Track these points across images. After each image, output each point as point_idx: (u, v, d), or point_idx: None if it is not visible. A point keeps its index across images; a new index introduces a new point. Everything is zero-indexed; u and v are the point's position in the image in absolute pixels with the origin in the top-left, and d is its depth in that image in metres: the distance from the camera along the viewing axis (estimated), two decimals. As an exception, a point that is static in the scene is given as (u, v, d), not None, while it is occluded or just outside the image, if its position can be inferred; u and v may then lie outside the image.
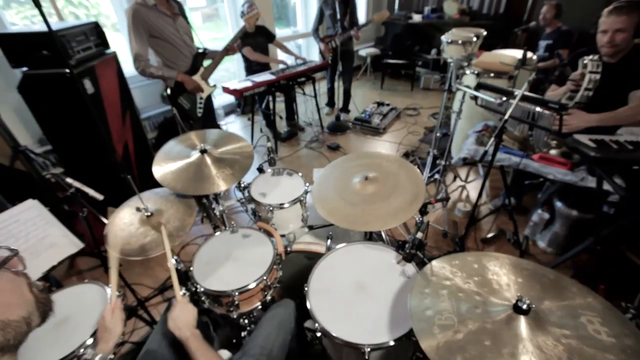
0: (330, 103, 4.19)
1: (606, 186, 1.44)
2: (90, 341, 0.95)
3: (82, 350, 0.94)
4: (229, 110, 4.27)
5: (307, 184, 1.48)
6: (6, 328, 0.43)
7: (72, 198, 1.59)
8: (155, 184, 1.37)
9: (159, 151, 1.38)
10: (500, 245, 2.17)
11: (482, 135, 1.85)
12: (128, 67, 2.78)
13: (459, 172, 2.81)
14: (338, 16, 3.14)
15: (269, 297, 1.20)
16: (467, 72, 1.94)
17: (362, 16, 5.88)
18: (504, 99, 1.52)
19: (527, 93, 1.41)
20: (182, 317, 0.86)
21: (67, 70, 1.92)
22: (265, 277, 1.14)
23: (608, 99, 1.62)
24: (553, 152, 1.69)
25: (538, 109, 1.40)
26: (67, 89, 1.96)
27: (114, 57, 2.41)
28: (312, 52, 5.19)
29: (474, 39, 1.95)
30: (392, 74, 5.32)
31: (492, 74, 1.89)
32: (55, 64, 1.91)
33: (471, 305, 0.79)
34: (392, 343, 0.92)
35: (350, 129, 3.75)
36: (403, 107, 4.22)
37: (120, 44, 3.17)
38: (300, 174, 1.52)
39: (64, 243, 1.35)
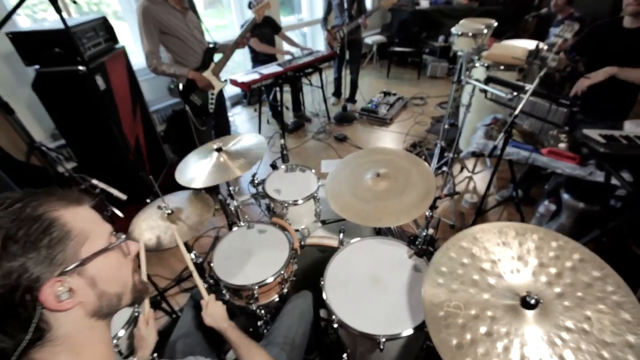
0: (337, 93, 4.18)
1: (614, 181, 1.46)
2: (122, 333, 1.02)
3: (115, 341, 1.01)
4: (235, 102, 4.28)
5: (319, 179, 1.52)
6: (102, 297, 0.52)
7: (87, 192, 1.65)
8: (167, 177, 1.40)
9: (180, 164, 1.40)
10: (506, 236, 2.21)
11: (491, 129, 1.86)
12: (135, 60, 2.80)
13: (466, 163, 2.82)
14: (345, 5, 3.10)
15: (285, 290, 1.26)
16: (477, 64, 1.94)
17: (368, 3, 5.76)
18: (515, 94, 1.52)
19: (537, 89, 1.42)
20: (217, 313, 0.94)
21: (81, 68, 1.95)
22: (282, 272, 1.19)
23: (626, 66, 1.64)
24: (562, 145, 1.70)
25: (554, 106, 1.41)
26: (80, 86, 2.00)
27: (123, 52, 2.43)
28: (318, 41, 5.13)
29: (485, 30, 1.93)
30: (399, 62, 5.25)
31: (502, 67, 1.88)
32: (68, 61, 1.94)
33: (480, 290, 0.83)
34: (405, 334, 0.98)
35: (357, 120, 3.76)
36: (410, 96, 4.20)
37: (124, 33, 3.14)
38: (313, 170, 1.56)
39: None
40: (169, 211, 1.22)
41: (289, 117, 3.77)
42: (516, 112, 1.44)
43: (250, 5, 2.99)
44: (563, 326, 0.71)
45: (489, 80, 1.76)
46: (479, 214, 2.02)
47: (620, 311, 0.66)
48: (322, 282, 1.16)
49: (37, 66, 2.00)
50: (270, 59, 3.32)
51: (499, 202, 2.40)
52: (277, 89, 3.09)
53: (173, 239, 1.16)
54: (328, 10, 3.49)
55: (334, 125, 3.67)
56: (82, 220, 0.51)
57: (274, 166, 1.56)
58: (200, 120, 2.18)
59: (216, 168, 1.31)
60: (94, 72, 2.03)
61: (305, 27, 4.97)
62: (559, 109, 1.47)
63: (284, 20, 4.64)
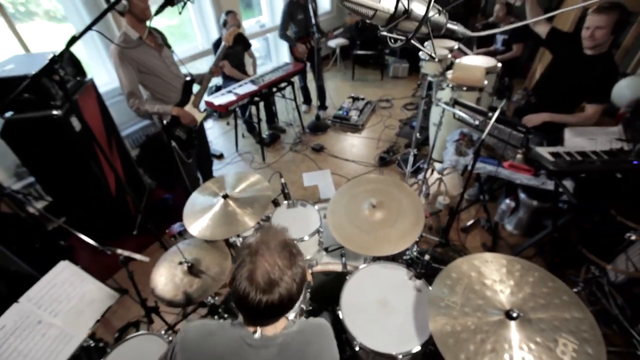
0: (307, 100, 4.28)
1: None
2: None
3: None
4: (205, 115, 4.20)
5: (319, 209, 1.65)
6: None
7: (63, 230, 1.62)
8: (152, 212, 1.43)
9: (186, 207, 1.46)
10: (476, 232, 2.53)
11: (460, 144, 2.11)
12: (98, 81, 2.64)
13: (435, 165, 3.10)
14: (313, 20, 3.19)
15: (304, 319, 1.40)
16: (444, 86, 2.16)
17: (325, 2, 5.83)
18: (481, 119, 1.76)
19: (499, 116, 1.66)
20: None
21: (55, 112, 1.87)
22: (302, 305, 1.33)
23: (566, 82, 2.01)
24: (519, 156, 1.99)
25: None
26: (56, 130, 1.92)
27: (92, 84, 2.33)
28: (280, 48, 5.13)
29: (449, 55, 2.15)
30: (362, 63, 5.43)
31: (464, 88, 2.11)
32: (40, 106, 1.85)
33: (476, 298, 1.05)
34: (418, 349, 1.18)
35: (330, 127, 3.90)
36: (376, 99, 4.41)
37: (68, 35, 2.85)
38: (314, 205, 1.68)
39: (101, 297, 1.44)
40: (189, 264, 1.29)
41: (263, 129, 3.81)
42: (483, 136, 1.68)
43: (224, 24, 2.97)
44: (533, 339, 0.93)
45: (456, 102, 1.99)
46: (453, 215, 2.28)
47: (585, 345, 0.87)
48: (338, 310, 1.31)
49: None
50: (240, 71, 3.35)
51: (469, 201, 2.71)
52: (252, 107, 3.13)
53: (200, 291, 1.24)
54: (287, 24, 3.50)
55: (309, 135, 3.78)
56: None
57: (275, 203, 1.66)
58: (185, 153, 2.20)
59: (226, 218, 1.39)
60: (68, 114, 1.96)
61: (269, 34, 4.94)
62: (517, 134, 1.73)
63: (245, 24, 4.56)
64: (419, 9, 0.49)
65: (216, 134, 3.93)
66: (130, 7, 1.73)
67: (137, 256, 1.24)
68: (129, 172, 2.74)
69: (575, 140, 2.00)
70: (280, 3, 4.85)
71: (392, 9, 0.47)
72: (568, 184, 1.81)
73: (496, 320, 1.00)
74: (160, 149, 3.03)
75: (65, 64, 2.08)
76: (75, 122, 2.02)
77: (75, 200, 2.31)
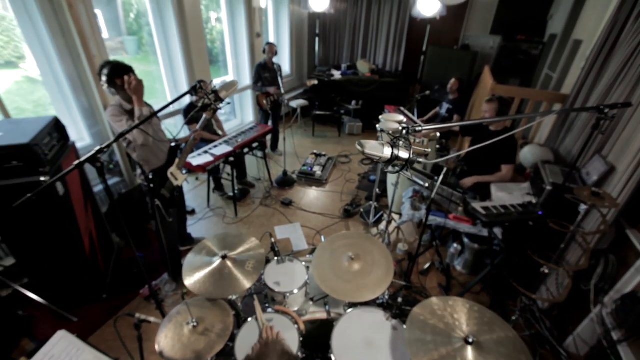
0: (273, 147, 4.80)
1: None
2: None
3: None
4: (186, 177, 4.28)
5: (306, 265, 1.88)
6: None
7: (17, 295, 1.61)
8: (122, 272, 1.48)
9: (185, 267, 1.60)
10: (433, 274, 2.90)
11: (414, 200, 2.55)
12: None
13: (393, 216, 3.53)
14: (280, 80, 3.75)
15: (301, 366, 1.54)
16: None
17: (286, 67, 6.53)
18: (430, 181, 2.21)
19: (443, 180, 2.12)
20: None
21: (42, 179, 1.92)
22: (299, 353, 1.49)
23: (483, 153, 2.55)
24: (460, 209, 2.47)
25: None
26: (40, 196, 1.93)
27: (74, 147, 2.40)
28: (245, 106, 5.55)
29: (399, 127, 2.66)
30: (321, 121, 6.04)
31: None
32: (28, 172, 1.89)
33: (443, 332, 1.33)
34: (400, 382, 1.40)
35: (297, 182, 4.22)
36: (336, 154, 4.91)
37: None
38: (301, 260, 1.90)
39: (97, 365, 1.45)
40: (195, 324, 1.41)
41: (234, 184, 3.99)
42: (432, 194, 2.11)
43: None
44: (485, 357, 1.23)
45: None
46: (413, 260, 2.63)
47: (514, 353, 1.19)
48: (331, 354, 1.50)
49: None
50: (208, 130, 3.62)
51: (424, 246, 3.12)
52: (227, 165, 3.36)
53: (208, 348, 1.35)
54: (257, 80, 4.30)
55: (277, 190, 4.05)
56: None
57: (267, 260, 1.85)
58: (167, 212, 2.31)
59: (225, 278, 1.55)
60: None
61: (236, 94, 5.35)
62: (457, 193, 2.21)
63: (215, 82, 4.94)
64: (404, 155, 0.85)
65: (185, 189, 3.99)
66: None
67: (152, 319, 1.32)
68: (102, 233, 2.70)
69: (499, 195, 2.55)
70: (245, 66, 5.38)
71: (389, 156, 0.81)
72: (498, 230, 2.29)
73: (460, 348, 1.27)
74: (129, 207, 3.05)
75: (51, 130, 2.16)
76: (60, 187, 2.07)
77: (44, 262, 2.23)
